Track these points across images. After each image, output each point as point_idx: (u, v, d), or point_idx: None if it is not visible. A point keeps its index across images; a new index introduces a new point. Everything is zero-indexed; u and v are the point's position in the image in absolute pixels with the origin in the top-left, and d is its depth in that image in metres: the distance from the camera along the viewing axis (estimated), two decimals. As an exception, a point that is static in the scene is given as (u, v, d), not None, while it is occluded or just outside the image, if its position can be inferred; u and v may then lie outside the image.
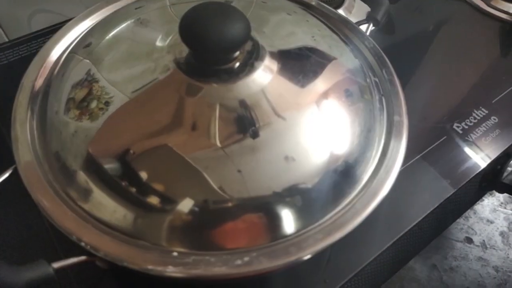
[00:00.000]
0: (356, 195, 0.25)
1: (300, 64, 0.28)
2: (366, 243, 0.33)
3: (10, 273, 0.21)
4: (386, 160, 0.27)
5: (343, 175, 0.25)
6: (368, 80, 0.30)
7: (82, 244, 0.22)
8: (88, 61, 0.27)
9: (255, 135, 0.24)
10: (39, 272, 0.22)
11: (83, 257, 0.23)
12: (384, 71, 0.31)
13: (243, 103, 0.24)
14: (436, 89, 0.44)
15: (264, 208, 0.23)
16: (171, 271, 0.22)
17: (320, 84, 0.27)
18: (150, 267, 0.22)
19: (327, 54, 0.29)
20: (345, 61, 0.30)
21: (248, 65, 0.25)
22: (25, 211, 0.37)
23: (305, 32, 0.30)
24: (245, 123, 0.24)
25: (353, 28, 0.34)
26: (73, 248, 0.23)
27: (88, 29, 0.32)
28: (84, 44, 0.29)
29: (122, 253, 0.22)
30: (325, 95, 0.27)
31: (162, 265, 0.22)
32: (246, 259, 0.22)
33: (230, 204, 0.23)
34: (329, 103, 0.27)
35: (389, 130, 0.28)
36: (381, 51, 0.33)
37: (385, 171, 0.26)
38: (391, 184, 0.26)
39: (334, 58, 0.29)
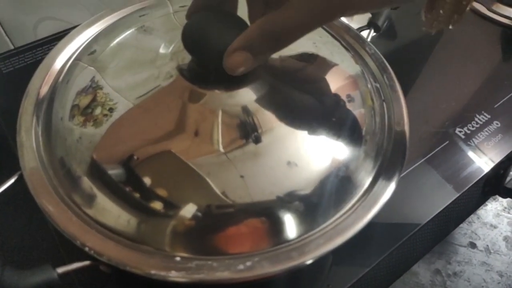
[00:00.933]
0: (358, 200, 0.25)
1: (302, 70, 0.28)
2: (369, 247, 0.33)
3: (15, 277, 0.22)
4: (387, 165, 0.27)
5: (344, 180, 0.25)
6: (369, 86, 0.30)
7: (86, 249, 0.22)
8: (92, 68, 0.28)
9: (257, 140, 0.24)
10: (43, 277, 0.22)
11: (87, 262, 0.23)
12: (385, 77, 0.32)
13: (245, 109, 0.25)
14: (438, 94, 0.44)
15: (267, 213, 0.23)
16: (174, 275, 0.22)
17: (321, 90, 0.27)
18: (153, 271, 0.22)
19: (328, 61, 0.29)
20: (346, 67, 0.30)
21: (250, 72, 0.26)
22: (30, 217, 0.37)
23: (306, 38, 0.30)
24: (248, 128, 0.24)
25: (354, 34, 0.34)
26: (77, 253, 0.23)
27: (92, 37, 0.32)
28: (88, 52, 0.30)
29: (126, 258, 0.22)
30: (326, 101, 0.27)
31: (165, 270, 0.22)
32: (248, 263, 0.22)
33: (232, 209, 0.23)
34: (331, 109, 0.27)
35: (391, 135, 0.28)
36: (382, 57, 0.33)
37: (386, 176, 0.26)
38: (392, 189, 0.26)
39: (335, 65, 0.29)
